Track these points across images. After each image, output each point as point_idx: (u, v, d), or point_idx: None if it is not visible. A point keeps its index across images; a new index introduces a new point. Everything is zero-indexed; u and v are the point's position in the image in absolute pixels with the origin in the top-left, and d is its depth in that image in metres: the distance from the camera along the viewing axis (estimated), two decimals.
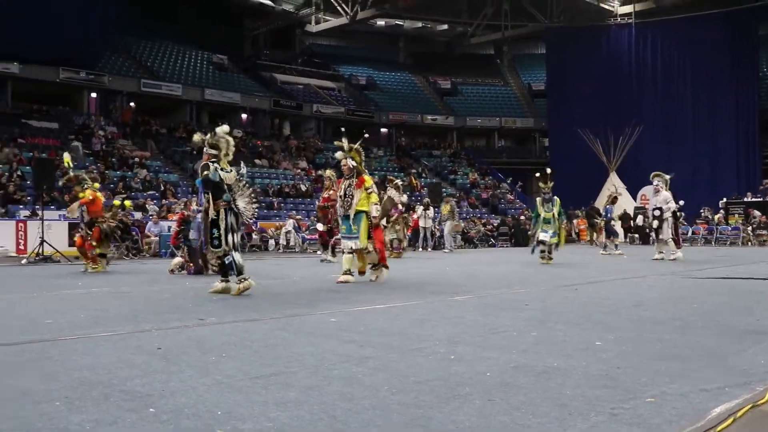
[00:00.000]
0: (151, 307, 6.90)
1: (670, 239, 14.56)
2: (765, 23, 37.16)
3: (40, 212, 16.77)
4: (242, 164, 8.36)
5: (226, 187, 7.79)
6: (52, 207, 19.96)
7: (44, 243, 15.26)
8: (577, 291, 8.60)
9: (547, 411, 3.02)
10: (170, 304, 7.22)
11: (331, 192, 15.86)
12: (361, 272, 9.80)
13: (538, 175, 14.78)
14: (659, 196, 14.89)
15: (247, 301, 7.46)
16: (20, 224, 18.40)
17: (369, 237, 9.57)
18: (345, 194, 9.55)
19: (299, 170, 33.10)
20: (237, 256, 7.79)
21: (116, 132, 30.09)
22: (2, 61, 28.15)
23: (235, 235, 7.88)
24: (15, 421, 2.88)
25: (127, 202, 15.44)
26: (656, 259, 14.46)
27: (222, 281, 7.96)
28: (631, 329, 5.31)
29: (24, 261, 15.15)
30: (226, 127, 8.04)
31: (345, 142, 9.69)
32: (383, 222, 14.11)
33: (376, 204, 9.58)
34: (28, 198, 20.68)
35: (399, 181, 18.92)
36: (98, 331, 5.22)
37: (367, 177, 9.65)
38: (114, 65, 33.43)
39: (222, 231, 7.76)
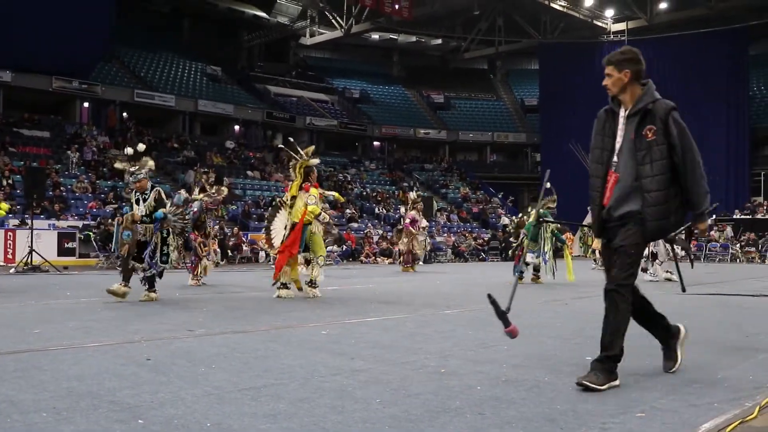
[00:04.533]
0: (141, 317, 6.87)
1: (662, 258, 13.69)
2: (755, 43, 37.58)
3: (29, 221, 16.68)
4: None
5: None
6: (42, 216, 19.88)
7: (33, 252, 15.16)
8: (568, 306, 8.61)
9: (538, 425, 3.02)
10: (160, 314, 7.19)
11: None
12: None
13: (548, 185, 12.77)
14: None
15: (237, 312, 7.45)
16: (9, 233, 18.29)
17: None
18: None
19: (291, 182, 33.06)
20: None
21: (108, 142, 30.03)
22: None
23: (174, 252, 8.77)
24: (2, 431, 2.85)
25: (5, 205, 15.12)
26: (669, 279, 13.47)
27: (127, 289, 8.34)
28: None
29: (12, 270, 15.04)
30: (143, 146, 8.93)
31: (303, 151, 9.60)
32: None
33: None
34: (18, 207, 20.59)
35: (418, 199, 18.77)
36: (87, 341, 5.19)
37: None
38: (107, 75, 33.38)
39: (170, 249, 8.55)
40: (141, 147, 8.76)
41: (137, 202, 8.56)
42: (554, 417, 3.14)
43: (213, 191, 11.82)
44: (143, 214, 8.42)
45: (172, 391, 3.56)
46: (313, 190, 9.34)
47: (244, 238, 23.58)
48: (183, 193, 12.77)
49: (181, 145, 32.62)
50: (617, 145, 4.01)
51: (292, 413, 3.17)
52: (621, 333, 3.88)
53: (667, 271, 13.80)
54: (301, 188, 9.37)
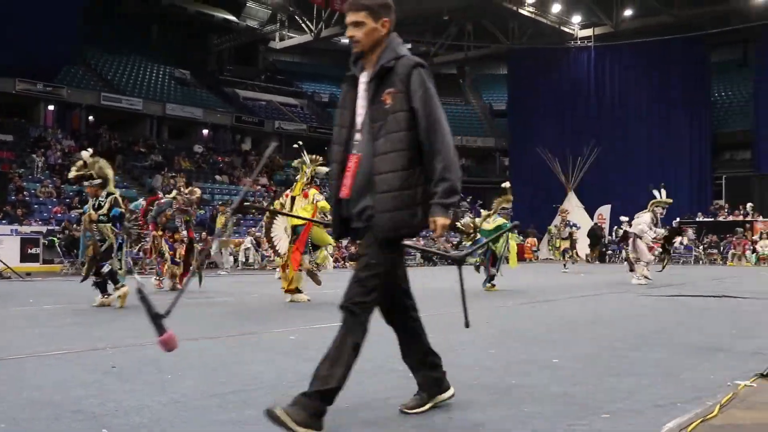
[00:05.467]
0: (106, 324, 6.77)
1: (643, 262, 13.68)
2: (717, 51, 38.36)
3: None
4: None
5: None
6: (4, 222, 19.51)
7: None
8: (535, 308, 8.69)
9: (507, 429, 3.04)
10: (126, 321, 7.10)
11: None
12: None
13: (508, 185, 12.41)
14: (641, 217, 13.82)
15: (204, 318, 7.38)
16: None
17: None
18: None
19: (260, 186, 32.93)
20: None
21: (73, 146, 29.60)
22: None
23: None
24: None
25: None
26: (642, 283, 13.35)
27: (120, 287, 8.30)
28: (587, 346, 5.39)
29: None
30: (90, 150, 8.81)
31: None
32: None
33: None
34: None
35: None
36: (50, 349, 5.10)
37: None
38: (73, 78, 32.88)
39: (122, 254, 8.62)
40: (85, 154, 8.65)
41: (93, 207, 8.47)
42: (523, 420, 3.17)
43: (186, 191, 11.65)
44: (100, 214, 8.33)
45: (138, 399, 3.52)
46: (314, 190, 9.38)
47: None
48: (142, 201, 12.61)
49: (148, 149, 32.28)
50: (358, 119, 3.09)
51: (260, 419, 3.14)
52: (343, 362, 3.04)
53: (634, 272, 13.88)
54: (303, 190, 9.42)
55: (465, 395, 3.66)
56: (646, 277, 13.48)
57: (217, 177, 32.35)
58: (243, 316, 7.56)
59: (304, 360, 4.70)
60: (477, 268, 12.01)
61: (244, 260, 22.14)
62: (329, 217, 9.35)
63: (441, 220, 2.95)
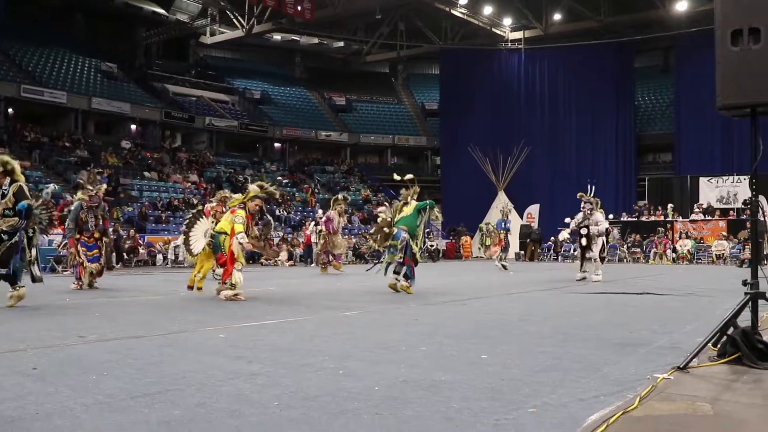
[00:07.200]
0: (27, 323, 6.54)
1: (597, 259, 14.08)
2: (641, 56, 39.77)
3: None
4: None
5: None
6: None
7: None
8: (466, 306, 8.82)
9: (434, 424, 3.08)
10: (48, 320, 6.86)
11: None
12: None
13: (411, 176, 11.35)
14: (593, 216, 14.15)
15: (131, 316, 7.22)
16: None
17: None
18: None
19: (189, 184, 32.34)
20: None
21: None
22: None
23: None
24: None
25: None
26: (579, 279, 13.80)
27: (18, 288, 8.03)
28: (516, 343, 5.50)
29: None
30: None
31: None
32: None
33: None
34: None
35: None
36: None
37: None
38: None
39: (34, 248, 8.38)
40: None
41: None
42: (450, 415, 3.22)
43: (91, 188, 11.36)
44: (4, 207, 8.03)
45: (60, 401, 3.41)
46: (240, 212, 9.28)
47: (141, 241, 22.84)
48: (52, 186, 12.27)
49: (73, 145, 31.24)
50: None
51: (188, 419, 3.10)
52: None
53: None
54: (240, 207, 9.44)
55: (394, 391, 3.69)
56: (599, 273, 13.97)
57: (146, 173, 31.59)
58: (171, 315, 7.42)
59: (233, 358, 4.66)
60: (386, 268, 10.61)
61: (173, 258, 21.70)
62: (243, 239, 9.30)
63: None
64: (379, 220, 11.28)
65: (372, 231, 11.47)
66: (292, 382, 3.90)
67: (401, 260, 10.42)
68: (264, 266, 21.63)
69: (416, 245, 10.63)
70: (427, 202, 11.18)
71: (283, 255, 23.26)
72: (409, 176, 11.38)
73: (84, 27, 39.55)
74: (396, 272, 10.43)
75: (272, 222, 12.17)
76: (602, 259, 14.42)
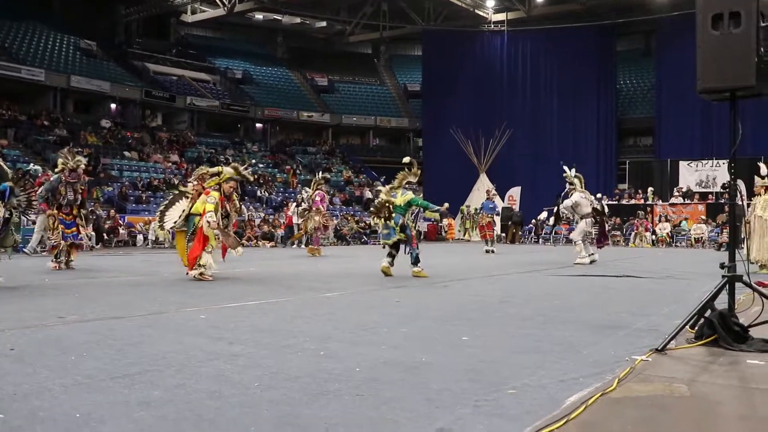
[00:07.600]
0: (4, 304, 6.47)
1: (579, 242, 13.96)
2: (621, 39, 39.85)
3: None
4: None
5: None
6: None
7: None
8: (447, 288, 8.85)
9: (415, 405, 3.09)
10: (27, 300, 6.80)
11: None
12: None
13: (408, 159, 11.53)
14: (572, 196, 14.05)
15: (111, 297, 7.17)
16: None
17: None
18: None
19: (170, 164, 32.09)
20: None
21: None
22: None
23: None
24: None
25: None
26: (590, 263, 13.50)
27: None
28: (496, 325, 5.54)
29: None
30: None
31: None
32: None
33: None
34: None
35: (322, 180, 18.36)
36: None
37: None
38: None
39: (12, 227, 8.38)
40: None
41: None
42: (431, 396, 3.23)
43: (71, 163, 11.21)
44: None
45: (38, 382, 3.39)
46: (214, 193, 9.39)
47: (121, 221, 22.67)
48: (32, 166, 12.14)
49: (52, 123, 30.87)
50: None
51: (168, 400, 3.09)
52: None
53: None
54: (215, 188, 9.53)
55: (374, 372, 3.70)
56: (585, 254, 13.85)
57: (126, 153, 31.33)
58: (151, 296, 7.38)
59: (214, 339, 4.65)
60: (402, 247, 10.59)
61: (154, 239, 21.56)
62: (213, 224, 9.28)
63: None
64: (381, 196, 11.29)
65: (374, 208, 11.35)
66: (273, 363, 3.90)
67: (407, 240, 10.38)
68: (245, 247, 21.56)
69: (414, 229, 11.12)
70: (421, 202, 11.15)
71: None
72: (406, 159, 11.46)
73: (61, 3, 38.92)
74: (390, 255, 10.42)
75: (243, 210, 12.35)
76: (598, 239, 14.39)
